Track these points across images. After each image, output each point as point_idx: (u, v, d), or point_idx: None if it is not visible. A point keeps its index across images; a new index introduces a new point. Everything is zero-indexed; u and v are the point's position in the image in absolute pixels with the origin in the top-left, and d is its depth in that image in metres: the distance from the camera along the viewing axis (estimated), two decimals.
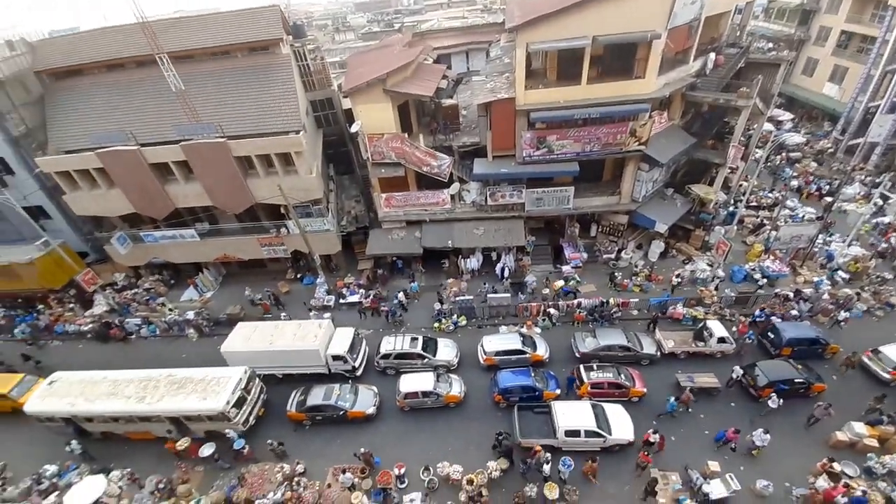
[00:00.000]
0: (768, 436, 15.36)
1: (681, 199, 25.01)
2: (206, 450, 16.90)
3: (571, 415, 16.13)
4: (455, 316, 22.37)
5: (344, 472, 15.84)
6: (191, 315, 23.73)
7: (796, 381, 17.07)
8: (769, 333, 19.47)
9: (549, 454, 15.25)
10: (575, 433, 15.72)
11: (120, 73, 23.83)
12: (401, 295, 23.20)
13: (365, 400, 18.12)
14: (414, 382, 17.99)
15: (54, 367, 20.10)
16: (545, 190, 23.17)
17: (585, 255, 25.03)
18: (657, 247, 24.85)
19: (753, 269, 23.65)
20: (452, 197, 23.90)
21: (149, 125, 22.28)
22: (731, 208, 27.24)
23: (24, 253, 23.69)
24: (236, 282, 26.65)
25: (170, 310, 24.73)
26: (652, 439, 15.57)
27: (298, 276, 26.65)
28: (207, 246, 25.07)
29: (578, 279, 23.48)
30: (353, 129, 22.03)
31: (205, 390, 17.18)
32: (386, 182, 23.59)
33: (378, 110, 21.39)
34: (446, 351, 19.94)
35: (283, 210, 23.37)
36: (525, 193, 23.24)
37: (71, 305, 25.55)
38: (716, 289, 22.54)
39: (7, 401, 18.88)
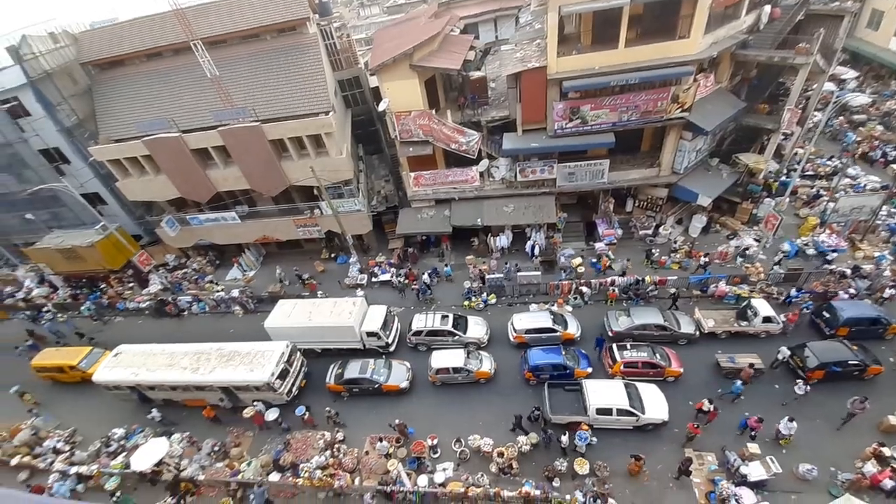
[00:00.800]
0: (794, 424, 14.68)
1: (727, 170, 23.40)
2: (271, 415, 18.21)
3: (603, 393, 16.06)
4: (485, 294, 22.44)
5: (381, 440, 16.68)
6: (236, 293, 25.18)
7: (850, 362, 16.05)
8: (824, 313, 18.25)
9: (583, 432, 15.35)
10: (606, 411, 15.69)
11: (159, 62, 24.70)
12: (425, 277, 23.38)
13: (398, 374, 18.80)
14: (445, 359, 18.43)
15: (117, 340, 22.04)
16: (578, 164, 22.34)
17: (620, 232, 24.18)
18: (699, 221, 23.58)
19: (806, 245, 22.04)
20: (481, 174, 23.56)
21: (188, 112, 23.16)
22: (783, 178, 25.25)
23: (85, 237, 25.80)
24: (276, 261, 27.89)
25: (217, 288, 26.31)
26: (706, 408, 15.34)
27: (332, 255, 27.50)
28: (247, 228, 26.23)
29: (612, 256, 22.81)
30: (381, 107, 21.95)
31: (251, 363, 18.38)
32: (414, 161, 23.52)
33: (405, 87, 21.13)
34: (476, 328, 20.17)
35: (315, 191, 23.95)
36: (556, 168, 22.52)
37: (130, 285, 27.72)
38: (777, 264, 20.97)
39: (77, 371, 21.00)
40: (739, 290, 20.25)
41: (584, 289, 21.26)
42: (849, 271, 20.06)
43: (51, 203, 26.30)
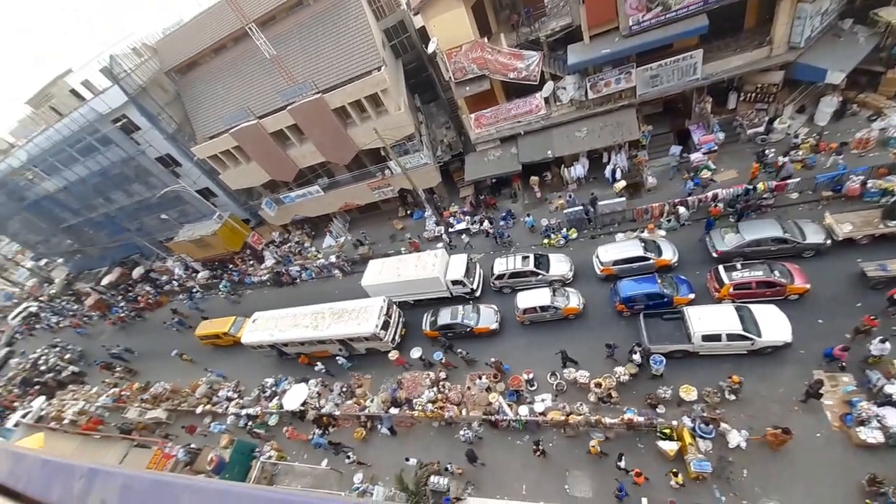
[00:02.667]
0: (887, 345, 12.59)
1: (864, 32, 18.06)
2: (415, 353, 19.94)
3: (710, 319, 14.92)
4: (564, 229, 21.53)
5: (480, 377, 17.96)
6: (333, 258, 27.82)
7: None
8: None
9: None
10: (714, 337, 14.65)
11: (225, 55, 26.34)
12: (501, 223, 22.93)
13: (487, 317, 19.57)
14: (531, 298, 18.57)
15: (251, 309, 26.17)
16: (662, 63, 19.19)
17: (722, 136, 20.73)
18: (828, 105, 19.06)
19: None
20: (546, 100, 21.60)
21: (259, 97, 24.67)
22: None
23: (208, 227, 30.22)
24: (360, 225, 29.82)
25: (319, 256, 29.30)
26: None
27: (408, 212, 28.45)
28: (331, 197, 28.18)
29: (713, 166, 19.88)
30: (430, 48, 20.91)
31: (358, 317, 20.62)
32: (473, 100, 22.39)
33: (452, 18, 19.74)
34: (559, 265, 19.74)
35: (383, 153, 24.43)
36: (635, 74, 19.66)
37: (251, 262, 32.21)
38: None
39: (229, 336, 25.66)
40: (887, 184, 16.38)
41: (681, 209, 19.12)
42: None
43: (176, 203, 30.99)
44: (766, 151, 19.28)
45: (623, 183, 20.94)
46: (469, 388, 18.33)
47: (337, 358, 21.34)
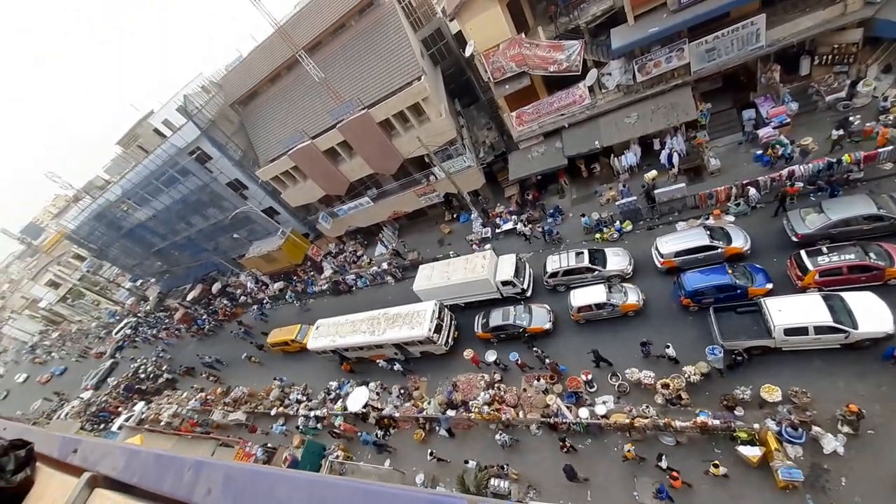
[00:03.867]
0: None
1: None
2: (490, 356, 19.66)
3: (793, 310, 13.44)
4: (618, 222, 20.50)
5: (538, 379, 17.57)
6: (385, 266, 28.75)
7: None
8: None
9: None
10: (799, 330, 13.15)
11: (279, 83, 28.43)
12: (550, 220, 22.39)
13: (540, 317, 19.13)
14: (585, 296, 17.88)
15: (314, 317, 27.77)
16: (718, 35, 17.74)
17: (795, 106, 18.65)
18: None
19: None
20: (591, 88, 20.80)
21: (311, 118, 26.31)
22: None
23: (272, 243, 32.63)
24: (408, 232, 30.54)
25: (372, 264, 30.48)
26: None
27: (455, 216, 28.68)
28: (380, 207, 29.23)
29: (785, 141, 17.94)
30: (467, 52, 21.08)
31: (411, 322, 21.08)
32: (513, 98, 22.15)
33: (488, 19, 19.78)
34: (616, 260, 18.82)
35: (426, 159, 24.91)
36: (688, 49, 18.35)
37: (312, 273, 34.24)
38: None
39: (297, 343, 27.42)
40: None
41: (752, 190, 17.42)
42: None
43: (246, 222, 33.81)
44: (851, 118, 17.03)
45: (653, 172, 19.58)
46: (525, 389, 18.00)
47: (393, 364, 21.89)
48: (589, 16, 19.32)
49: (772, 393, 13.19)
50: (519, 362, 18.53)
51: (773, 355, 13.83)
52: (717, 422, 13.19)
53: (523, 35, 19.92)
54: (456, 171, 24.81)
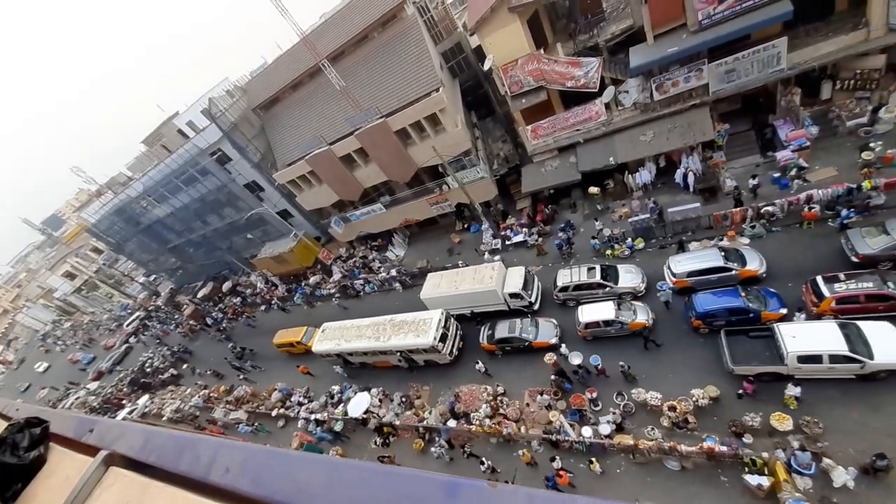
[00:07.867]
0: None
1: None
2: (575, 359, 17.17)
3: (807, 337, 13.11)
4: (630, 239, 20.33)
5: (541, 394, 17.30)
6: (394, 272, 28.85)
7: None
8: None
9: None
10: (814, 358, 12.80)
11: (301, 90, 29.14)
12: (561, 234, 22.26)
13: (546, 331, 18.94)
14: (594, 312, 17.65)
15: (320, 320, 27.87)
16: (738, 56, 17.75)
17: (815, 130, 18.45)
18: None
19: None
20: (607, 105, 20.90)
21: (330, 125, 26.84)
22: None
23: (285, 245, 33.06)
24: (419, 240, 30.71)
25: (381, 270, 30.61)
26: None
27: (465, 226, 28.77)
28: (392, 214, 29.48)
29: (804, 164, 17.73)
30: (486, 65, 21.39)
31: (417, 329, 21.01)
32: (529, 112, 22.33)
33: (507, 34, 20.04)
34: (629, 277, 18.61)
35: (440, 169, 25.17)
36: (707, 70, 18.38)
37: (321, 276, 34.49)
38: None
39: (301, 345, 27.51)
40: None
41: (772, 208, 17.10)
42: None
43: (260, 223, 34.37)
44: (872, 144, 16.77)
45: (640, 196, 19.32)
46: (527, 404, 17.74)
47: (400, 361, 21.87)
48: (608, 34, 19.53)
49: (782, 421, 12.79)
50: (599, 367, 16.83)
51: (786, 382, 13.37)
52: (724, 448, 12.81)
53: (542, 51, 20.17)
54: (469, 182, 24.98)
